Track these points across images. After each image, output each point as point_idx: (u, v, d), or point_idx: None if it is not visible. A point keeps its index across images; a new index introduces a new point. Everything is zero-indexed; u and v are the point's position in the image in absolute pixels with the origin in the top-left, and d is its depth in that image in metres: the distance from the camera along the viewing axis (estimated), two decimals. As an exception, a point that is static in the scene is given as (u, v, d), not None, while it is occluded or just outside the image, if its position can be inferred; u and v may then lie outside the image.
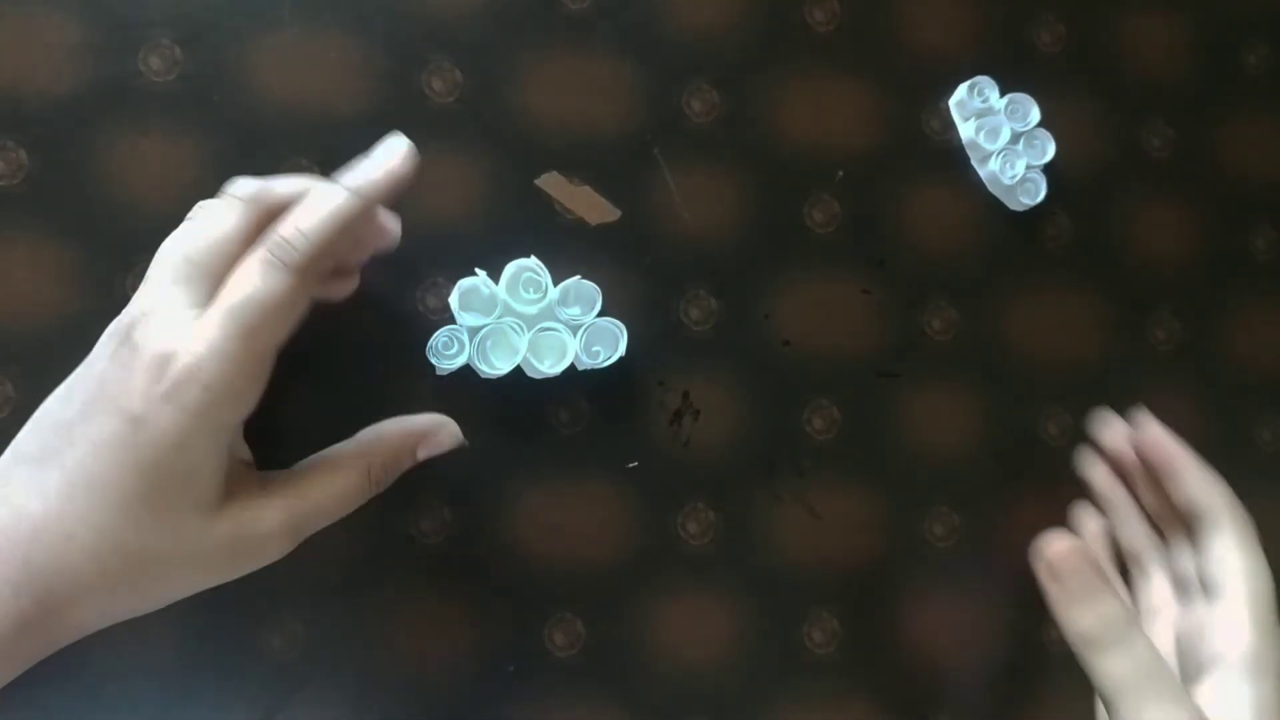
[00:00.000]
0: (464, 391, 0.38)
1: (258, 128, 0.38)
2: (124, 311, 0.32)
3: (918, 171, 0.43)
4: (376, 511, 0.38)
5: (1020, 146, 0.42)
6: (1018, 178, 0.42)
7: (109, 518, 0.29)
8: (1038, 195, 0.42)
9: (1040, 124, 0.43)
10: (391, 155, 0.32)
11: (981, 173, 0.43)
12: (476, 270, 0.37)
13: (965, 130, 0.42)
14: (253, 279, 0.30)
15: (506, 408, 0.39)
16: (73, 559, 0.29)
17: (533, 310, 0.37)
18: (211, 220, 0.31)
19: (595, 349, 0.38)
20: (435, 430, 0.35)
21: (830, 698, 0.41)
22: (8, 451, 0.31)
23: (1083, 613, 0.32)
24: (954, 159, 0.43)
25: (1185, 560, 0.39)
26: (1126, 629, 0.32)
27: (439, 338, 0.37)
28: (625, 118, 0.41)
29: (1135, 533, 0.40)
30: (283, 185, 0.33)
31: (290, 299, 0.30)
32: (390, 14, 0.39)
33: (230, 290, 0.30)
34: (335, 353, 0.38)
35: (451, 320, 0.37)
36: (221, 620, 0.37)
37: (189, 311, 0.30)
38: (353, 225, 0.31)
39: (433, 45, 0.39)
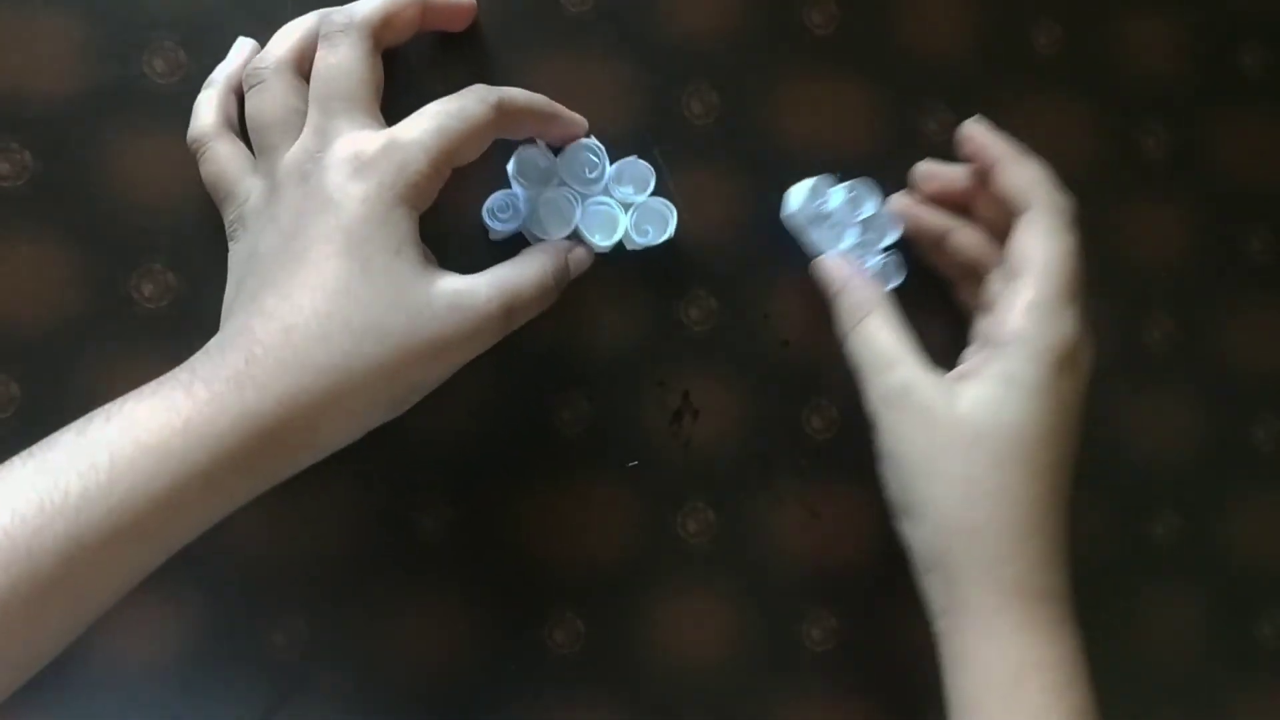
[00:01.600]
0: (467, 381, 0.38)
1: (260, 129, 0.38)
2: (286, 158, 0.33)
3: (916, 173, 0.43)
4: (377, 510, 0.38)
5: (866, 236, 0.40)
6: (875, 270, 0.40)
7: (330, 301, 0.30)
8: (900, 276, 0.41)
9: (882, 203, 0.41)
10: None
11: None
12: (536, 140, 0.37)
13: (809, 239, 0.40)
14: (455, 100, 0.33)
15: (507, 408, 0.39)
16: (298, 348, 0.29)
17: (588, 187, 0.38)
18: (336, 56, 0.33)
19: (645, 227, 0.39)
20: (573, 247, 0.38)
21: (829, 696, 0.41)
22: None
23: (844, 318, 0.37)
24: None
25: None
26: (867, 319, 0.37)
27: (495, 200, 0.37)
28: (625, 118, 0.41)
29: (966, 239, 0.40)
30: (367, 6, 0.34)
31: (484, 126, 0.33)
32: (392, 16, 0.39)
33: (430, 105, 0.33)
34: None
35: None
36: (224, 617, 0.37)
37: (367, 129, 0.32)
38: (539, 114, 0.36)
39: (434, 47, 0.39)
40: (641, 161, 0.38)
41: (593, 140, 0.38)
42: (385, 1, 0.34)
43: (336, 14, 0.34)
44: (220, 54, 0.38)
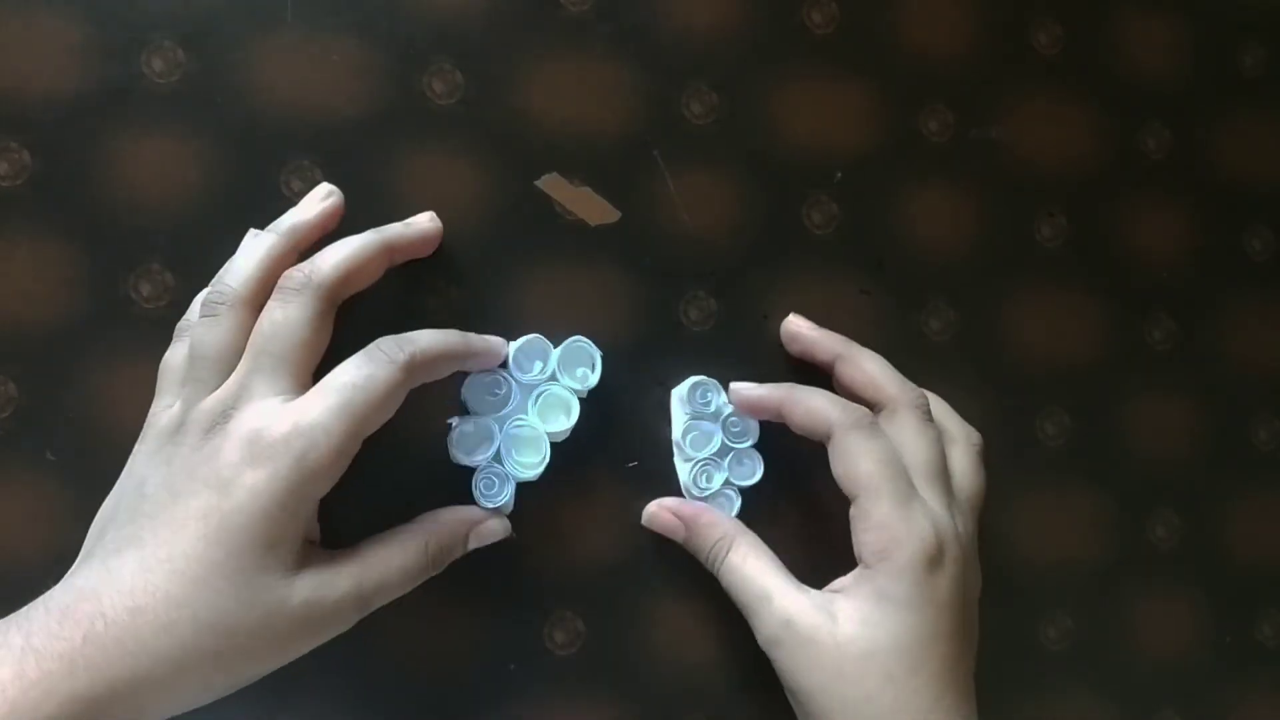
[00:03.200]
0: (453, 386, 0.38)
1: (260, 129, 0.38)
2: (205, 402, 0.32)
3: (916, 173, 0.43)
4: (377, 511, 0.38)
5: (726, 461, 0.39)
6: (710, 492, 0.39)
7: (185, 589, 0.29)
8: (731, 510, 0.40)
9: (755, 445, 0.40)
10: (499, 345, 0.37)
11: (680, 472, 0.40)
12: (449, 420, 0.38)
13: (676, 426, 0.40)
14: (362, 366, 0.32)
15: (507, 408, 0.39)
16: (140, 633, 0.28)
17: (498, 409, 0.38)
18: (283, 313, 0.32)
19: (580, 372, 0.38)
20: (485, 519, 0.37)
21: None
22: (78, 559, 0.32)
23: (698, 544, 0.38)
24: (952, 160, 0.43)
25: None
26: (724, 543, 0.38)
27: (479, 480, 0.37)
28: (625, 119, 0.41)
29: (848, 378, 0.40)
30: (332, 258, 0.34)
31: (393, 391, 0.32)
32: (392, 16, 0.39)
33: (337, 373, 0.32)
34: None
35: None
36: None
37: (280, 398, 0.31)
38: (453, 357, 0.35)
39: (434, 47, 0.39)
40: (532, 336, 0.38)
41: (497, 372, 0.38)
42: (348, 257, 0.34)
43: (296, 271, 0.33)
44: (220, 54, 0.38)
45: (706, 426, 0.39)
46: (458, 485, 0.37)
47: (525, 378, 0.38)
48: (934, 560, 0.35)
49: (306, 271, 0.33)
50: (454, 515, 0.36)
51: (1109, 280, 0.44)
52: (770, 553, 0.38)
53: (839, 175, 0.42)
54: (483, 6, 0.40)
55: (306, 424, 0.30)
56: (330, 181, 0.38)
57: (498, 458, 0.37)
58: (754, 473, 0.40)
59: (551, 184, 0.40)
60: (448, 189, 0.39)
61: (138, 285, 0.37)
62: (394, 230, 0.36)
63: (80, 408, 0.37)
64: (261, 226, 0.36)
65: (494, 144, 0.40)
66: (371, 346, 0.33)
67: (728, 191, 0.41)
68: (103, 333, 0.37)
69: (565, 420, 0.38)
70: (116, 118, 0.37)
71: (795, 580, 0.37)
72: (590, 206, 0.40)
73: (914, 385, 0.39)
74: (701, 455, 0.39)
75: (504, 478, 0.37)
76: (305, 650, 0.32)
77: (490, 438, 0.37)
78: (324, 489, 0.31)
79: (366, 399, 0.31)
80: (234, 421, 0.31)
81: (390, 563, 0.33)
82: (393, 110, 0.39)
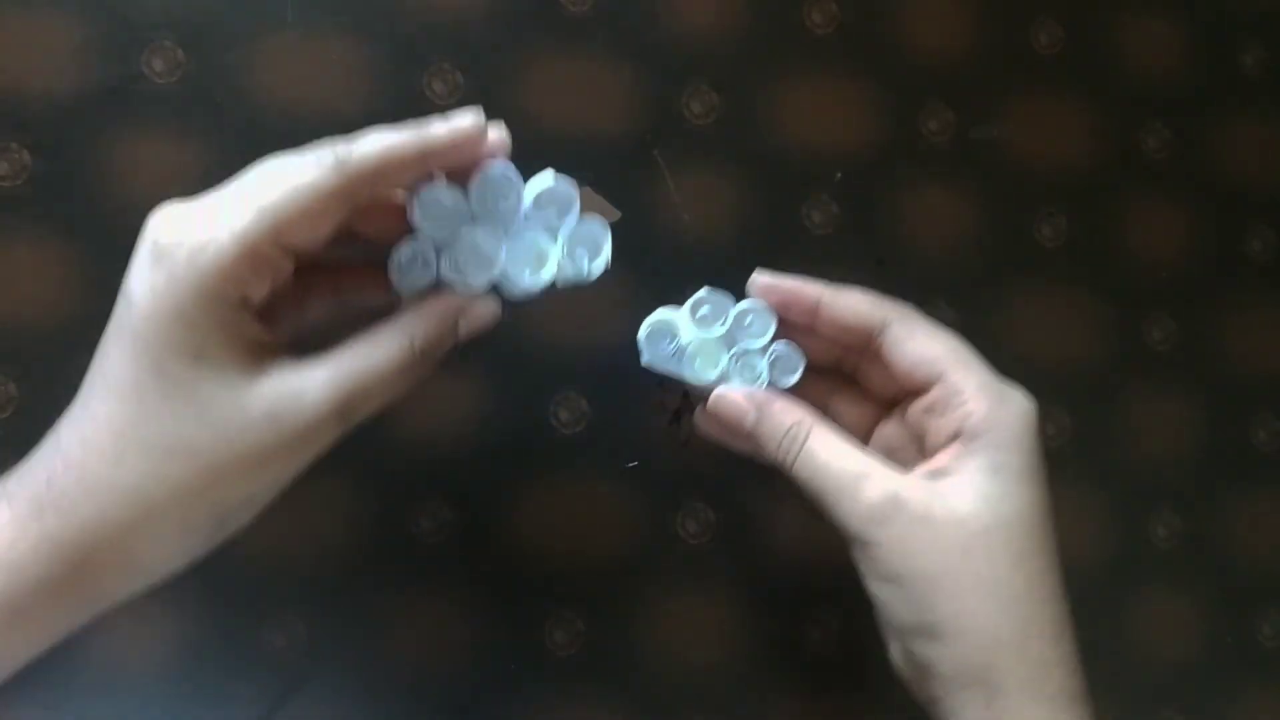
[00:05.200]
0: (459, 386, 0.38)
1: (260, 129, 0.38)
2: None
3: (916, 172, 0.43)
4: (376, 511, 0.38)
5: (742, 341, 0.35)
6: (762, 378, 0.35)
7: (124, 413, 0.27)
8: (801, 360, 0.35)
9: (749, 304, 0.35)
10: (461, 119, 0.30)
11: (698, 377, 0.35)
12: (435, 176, 0.32)
13: (685, 372, 0.35)
14: (282, 166, 0.28)
15: (506, 408, 0.39)
16: (94, 467, 0.27)
17: (505, 219, 0.32)
18: (295, 161, 0.28)
19: (579, 252, 0.33)
20: (472, 304, 0.32)
21: (830, 696, 0.41)
22: None
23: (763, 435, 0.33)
24: (952, 160, 0.43)
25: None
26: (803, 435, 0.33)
27: (401, 253, 0.31)
28: (625, 119, 0.41)
29: (847, 305, 0.35)
30: (370, 140, 0.29)
31: (319, 192, 0.27)
32: (392, 16, 0.39)
33: (264, 163, 0.28)
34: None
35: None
36: (224, 618, 0.37)
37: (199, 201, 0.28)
38: (406, 160, 0.29)
39: (434, 47, 0.40)
40: (558, 179, 0.33)
41: (502, 163, 0.32)
42: (387, 145, 0.29)
43: (333, 141, 0.29)
44: (220, 54, 0.38)
45: (703, 350, 0.35)
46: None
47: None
48: (1039, 430, 0.32)
49: (341, 150, 0.28)
50: (438, 302, 0.31)
51: (1109, 280, 0.44)
52: (847, 438, 0.33)
53: (839, 175, 0.42)
54: (483, 6, 0.40)
55: (207, 219, 0.27)
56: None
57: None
58: (795, 368, 0.35)
59: (551, 184, 0.40)
60: (448, 189, 0.39)
61: (138, 285, 0.37)
62: (429, 128, 0.30)
63: (80, 408, 0.37)
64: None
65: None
66: (307, 147, 0.29)
67: (728, 191, 0.41)
68: (102, 333, 0.37)
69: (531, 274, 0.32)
70: (116, 118, 0.37)
71: (883, 460, 0.32)
72: (590, 206, 0.40)
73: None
74: (752, 344, 0.34)
75: (425, 255, 0.32)
76: (291, 470, 0.29)
77: (488, 258, 0.32)
78: (233, 289, 0.27)
79: (283, 195, 0.27)
80: (147, 226, 0.28)
81: (371, 361, 0.29)
82: (393, 110, 0.39)
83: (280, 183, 0.27)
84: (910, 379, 0.33)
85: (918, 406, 0.34)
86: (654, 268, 0.41)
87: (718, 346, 0.35)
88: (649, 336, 0.35)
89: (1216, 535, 0.45)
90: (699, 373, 0.34)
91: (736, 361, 0.35)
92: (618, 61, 0.41)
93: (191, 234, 0.27)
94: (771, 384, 0.35)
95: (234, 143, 0.38)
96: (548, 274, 0.32)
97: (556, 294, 0.33)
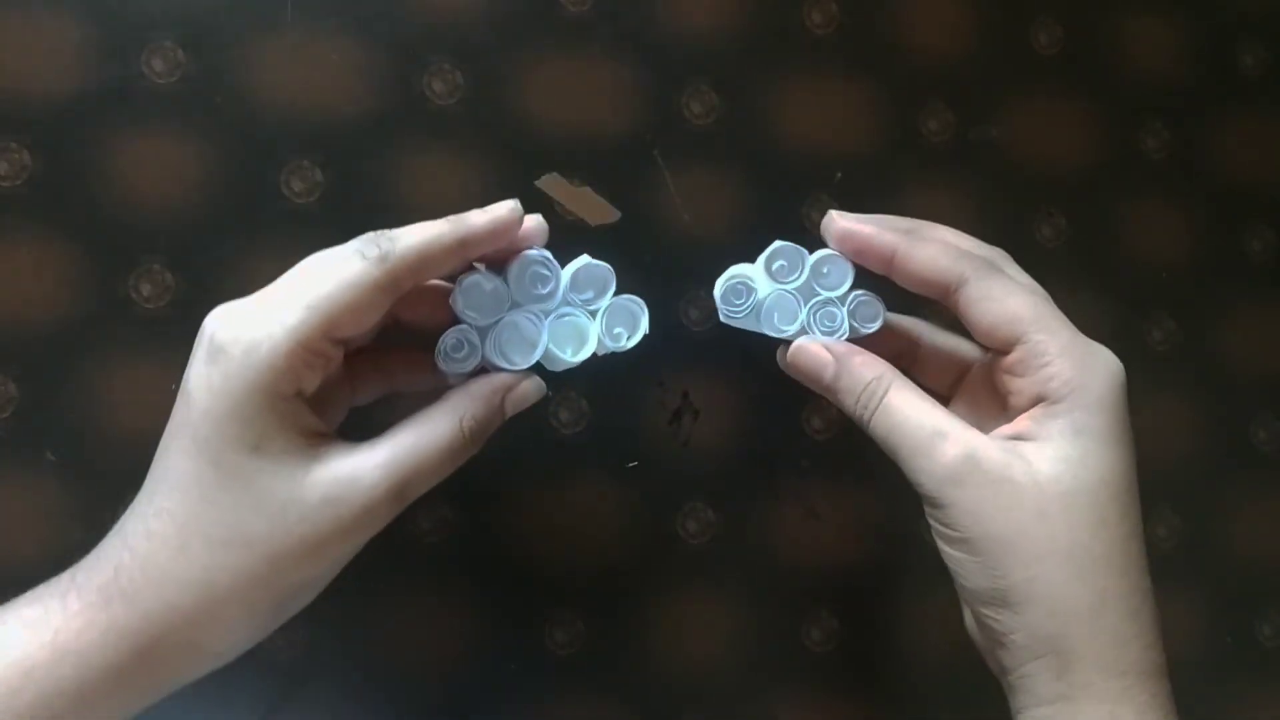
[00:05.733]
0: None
1: (259, 129, 0.38)
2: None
3: (916, 172, 0.43)
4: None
5: (819, 289, 0.34)
6: (842, 328, 0.34)
7: (186, 507, 0.28)
8: (881, 309, 0.34)
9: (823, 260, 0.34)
10: (499, 209, 0.32)
11: (775, 327, 0.34)
12: (475, 265, 0.33)
13: (765, 328, 0.35)
14: (328, 262, 0.29)
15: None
16: (159, 559, 0.27)
17: (544, 303, 0.34)
18: (341, 257, 0.29)
19: (617, 330, 0.34)
20: (517, 383, 0.33)
21: (830, 696, 0.41)
22: None
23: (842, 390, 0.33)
24: (952, 160, 0.43)
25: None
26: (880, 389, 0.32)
27: (446, 340, 0.33)
28: (625, 119, 0.41)
29: (924, 255, 0.33)
30: (410, 234, 0.30)
31: (364, 286, 0.29)
32: (392, 16, 0.39)
33: (310, 260, 0.29)
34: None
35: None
36: (223, 619, 0.37)
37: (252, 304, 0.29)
38: (446, 250, 0.30)
39: (434, 47, 0.39)
40: (596, 262, 0.34)
41: (538, 251, 0.33)
42: (426, 239, 0.30)
43: (378, 235, 0.30)
44: (219, 54, 0.38)
45: (781, 303, 0.34)
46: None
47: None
48: (1126, 389, 0.31)
49: (388, 237, 0.30)
50: (484, 384, 0.32)
51: (1108, 280, 0.44)
52: (925, 395, 0.32)
53: (839, 175, 0.42)
54: (483, 6, 0.40)
55: (260, 317, 0.28)
56: (330, 181, 0.38)
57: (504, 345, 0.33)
58: (876, 315, 0.34)
59: (551, 184, 0.40)
60: (447, 189, 0.39)
61: (138, 285, 0.37)
62: (468, 219, 0.31)
63: (80, 408, 0.37)
64: (262, 226, 0.36)
65: (494, 144, 0.40)
66: (349, 242, 0.30)
67: (728, 191, 0.41)
68: (103, 332, 0.37)
69: (569, 355, 0.34)
70: (116, 118, 0.37)
71: (962, 419, 0.31)
72: (590, 206, 0.40)
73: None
74: (831, 294, 0.34)
75: (470, 334, 0.33)
76: (349, 553, 0.30)
77: (530, 342, 0.33)
78: (288, 384, 0.28)
79: (331, 291, 0.28)
80: (204, 326, 0.29)
81: (423, 444, 0.30)
82: (393, 110, 0.39)
83: (327, 278, 0.28)
84: (991, 339, 0.32)
85: (1000, 367, 0.32)
86: (654, 268, 0.41)
87: (795, 299, 0.34)
88: (725, 294, 0.34)
89: (1216, 535, 0.45)
90: (778, 326, 0.34)
91: (816, 313, 0.34)
92: (618, 61, 0.41)
93: (246, 331, 0.28)
94: (853, 331, 0.34)
95: (234, 143, 0.38)
96: (588, 351, 0.34)
97: (595, 360, 0.34)
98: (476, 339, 0.33)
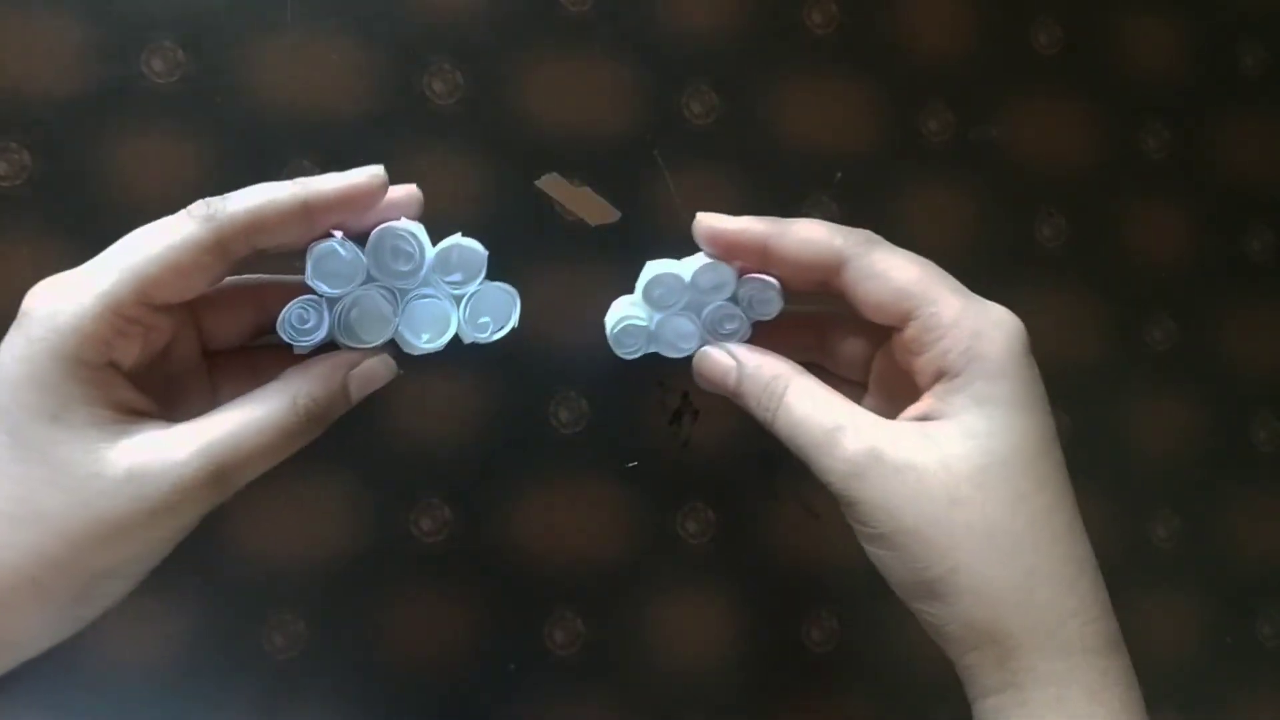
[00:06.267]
0: (459, 386, 0.38)
1: (260, 129, 0.38)
2: None
3: (916, 172, 0.43)
4: (376, 511, 0.38)
5: (704, 295, 0.34)
6: (742, 327, 0.34)
7: None
8: (778, 298, 0.33)
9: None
10: (355, 174, 0.29)
11: (668, 340, 0.35)
12: (333, 232, 0.30)
13: (660, 343, 0.35)
14: (154, 226, 0.27)
15: (506, 408, 0.39)
16: None
17: (405, 280, 0.31)
18: (167, 224, 0.28)
19: (482, 320, 0.32)
20: (362, 360, 0.31)
21: (830, 697, 0.41)
22: None
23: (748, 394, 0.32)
24: (952, 160, 0.43)
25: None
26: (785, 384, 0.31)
27: (290, 311, 0.30)
28: (625, 119, 0.41)
29: (804, 233, 0.32)
30: (243, 197, 0.28)
31: (186, 246, 0.27)
32: (392, 16, 0.39)
33: (126, 237, 0.28)
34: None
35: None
36: (223, 619, 0.37)
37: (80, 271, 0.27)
38: (284, 213, 0.28)
39: (434, 47, 0.39)
40: (468, 242, 0.32)
41: (404, 222, 0.31)
42: (261, 202, 0.28)
43: (206, 200, 0.28)
44: (219, 54, 0.38)
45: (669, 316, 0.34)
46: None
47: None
48: (1029, 347, 0.29)
49: (215, 203, 0.28)
50: (324, 361, 0.30)
51: (1109, 280, 0.44)
52: (831, 389, 0.31)
53: (839, 175, 0.42)
54: (483, 6, 0.40)
55: (68, 280, 0.27)
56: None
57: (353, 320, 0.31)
58: (771, 300, 0.33)
59: (551, 184, 0.40)
60: (447, 189, 0.39)
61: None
62: (315, 182, 0.29)
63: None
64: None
65: (494, 144, 0.40)
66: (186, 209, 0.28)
67: (728, 191, 0.41)
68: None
69: (424, 339, 0.32)
70: (117, 118, 0.37)
71: (865, 410, 0.30)
72: (590, 206, 0.40)
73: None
74: (719, 299, 0.33)
75: (319, 306, 0.31)
76: (160, 542, 0.27)
77: (383, 319, 0.31)
78: (95, 352, 0.26)
79: (148, 254, 0.27)
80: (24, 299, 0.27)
81: (248, 424, 0.27)
82: (393, 110, 0.39)
83: (147, 242, 0.27)
84: (882, 317, 0.31)
85: (900, 344, 0.31)
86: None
87: (688, 317, 0.34)
88: (617, 339, 0.34)
89: (1216, 535, 0.45)
90: (680, 347, 0.34)
91: (713, 320, 0.34)
92: (618, 61, 0.41)
93: (54, 298, 0.26)
94: (756, 325, 0.34)
95: (234, 143, 0.38)
96: (445, 339, 0.32)
97: (466, 348, 0.32)
98: (324, 311, 0.31)
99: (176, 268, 0.27)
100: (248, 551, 0.38)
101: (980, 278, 0.43)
